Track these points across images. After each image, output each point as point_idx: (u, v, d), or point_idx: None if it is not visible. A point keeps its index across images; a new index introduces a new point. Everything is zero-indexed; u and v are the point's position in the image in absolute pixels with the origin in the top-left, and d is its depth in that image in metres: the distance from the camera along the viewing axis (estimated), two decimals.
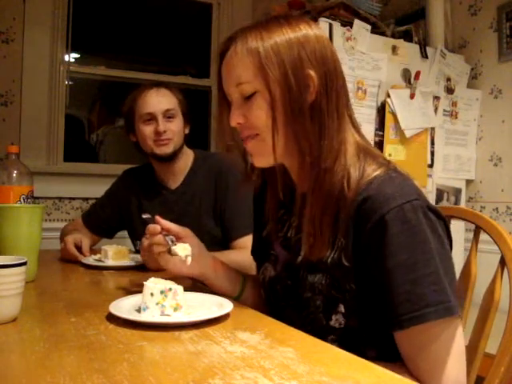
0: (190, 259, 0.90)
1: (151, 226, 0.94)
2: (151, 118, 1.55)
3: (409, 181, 0.79)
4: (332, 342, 0.78)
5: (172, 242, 0.92)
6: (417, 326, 0.70)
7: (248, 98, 0.82)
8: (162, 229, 0.93)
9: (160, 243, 0.93)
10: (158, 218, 0.95)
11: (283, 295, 0.90)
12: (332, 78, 0.81)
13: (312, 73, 0.79)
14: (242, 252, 1.37)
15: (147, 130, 1.56)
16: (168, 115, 1.56)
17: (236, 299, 0.96)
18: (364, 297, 0.77)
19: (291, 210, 0.91)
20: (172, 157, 1.58)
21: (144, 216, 1.00)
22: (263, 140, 0.82)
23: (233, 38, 0.83)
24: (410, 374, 0.73)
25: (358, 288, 0.78)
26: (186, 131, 1.63)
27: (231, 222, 1.54)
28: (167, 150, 1.56)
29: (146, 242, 0.97)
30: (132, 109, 1.59)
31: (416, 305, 0.70)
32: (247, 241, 1.32)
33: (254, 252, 1.05)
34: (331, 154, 0.80)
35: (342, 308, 0.79)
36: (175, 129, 1.57)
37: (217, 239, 1.55)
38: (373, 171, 0.78)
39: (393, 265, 0.72)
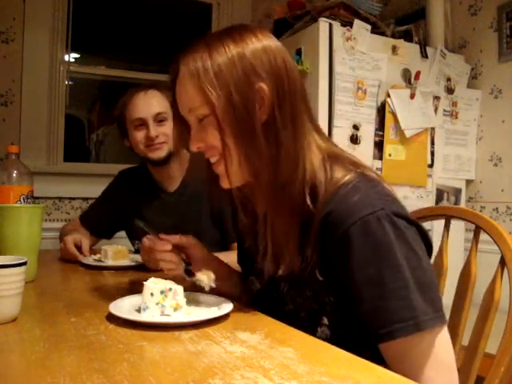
0: (208, 288, 0.89)
1: (159, 244, 0.92)
2: (142, 123, 1.51)
3: (376, 187, 0.76)
4: None
5: (184, 261, 0.92)
6: (388, 342, 0.69)
7: (202, 121, 0.79)
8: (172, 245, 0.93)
9: (171, 261, 0.92)
10: (162, 235, 0.93)
11: (271, 307, 0.88)
12: (284, 86, 0.78)
13: (263, 85, 0.76)
14: None
15: (138, 135, 1.52)
16: (159, 119, 1.52)
17: (237, 299, 0.96)
18: (345, 308, 0.76)
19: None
20: (166, 160, 1.55)
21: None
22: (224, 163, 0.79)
23: (177, 62, 0.80)
24: None
25: (336, 301, 0.77)
26: None
27: (230, 224, 1.53)
28: (161, 153, 1.53)
29: (152, 253, 0.95)
30: (123, 114, 1.55)
31: (384, 321, 0.69)
32: None
33: (240, 262, 1.03)
34: (288, 166, 0.76)
35: (325, 320, 0.78)
36: (168, 132, 1.52)
37: (216, 240, 1.54)
38: (339, 180, 0.75)
39: (360, 280, 0.71)
